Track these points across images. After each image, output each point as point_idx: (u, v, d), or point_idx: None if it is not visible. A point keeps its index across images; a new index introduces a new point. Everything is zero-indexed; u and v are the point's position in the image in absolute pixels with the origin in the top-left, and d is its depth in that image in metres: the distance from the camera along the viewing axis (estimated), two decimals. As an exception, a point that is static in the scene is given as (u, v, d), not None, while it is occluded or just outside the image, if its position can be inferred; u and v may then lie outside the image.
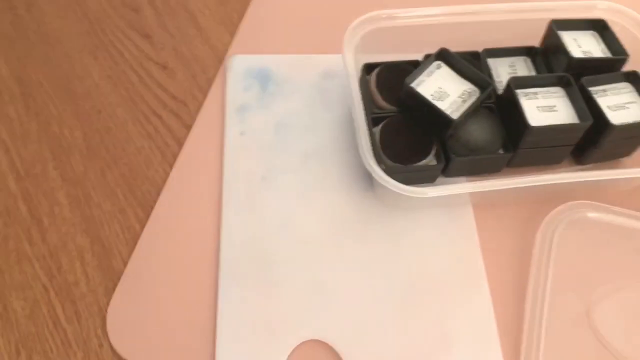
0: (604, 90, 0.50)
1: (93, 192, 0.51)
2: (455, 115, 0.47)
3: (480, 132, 0.49)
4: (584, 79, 0.49)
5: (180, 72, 0.57)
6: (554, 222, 0.47)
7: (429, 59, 0.50)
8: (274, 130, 0.53)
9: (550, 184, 0.46)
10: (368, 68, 0.53)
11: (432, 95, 0.48)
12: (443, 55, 0.50)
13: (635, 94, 0.50)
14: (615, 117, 0.47)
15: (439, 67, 0.50)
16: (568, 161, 0.53)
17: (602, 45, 0.52)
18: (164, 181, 0.51)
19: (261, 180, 0.51)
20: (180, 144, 0.53)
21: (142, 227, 0.49)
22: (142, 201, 0.50)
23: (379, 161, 0.49)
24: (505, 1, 0.53)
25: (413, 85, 0.49)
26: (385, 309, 0.46)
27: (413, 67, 0.49)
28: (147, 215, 0.50)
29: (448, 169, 0.50)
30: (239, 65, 0.57)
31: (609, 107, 0.48)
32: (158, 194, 0.51)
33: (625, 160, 0.53)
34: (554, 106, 0.49)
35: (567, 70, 0.50)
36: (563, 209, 0.47)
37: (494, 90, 0.52)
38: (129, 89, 0.56)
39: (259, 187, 0.51)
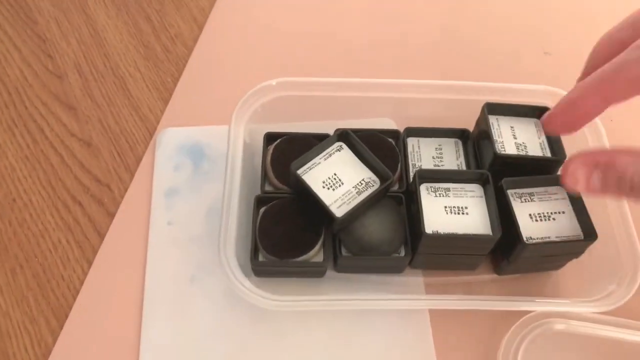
0: (531, 195, 0.43)
1: (1, 298, 0.45)
2: (343, 209, 0.41)
3: (376, 227, 0.42)
4: (504, 181, 0.42)
5: (106, 149, 0.51)
6: (515, 339, 0.40)
7: (329, 139, 0.43)
8: (205, 218, 0.47)
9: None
10: (269, 138, 0.47)
11: (324, 182, 0.42)
12: (345, 137, 0.44)
13: (566, 201, 0.43)
14: (534, 231, 0.41)
15: (339, 149, 0.44)
16: (486, 267, 0.46)
17: (542, 138, 0.45)
18: (82, 282, 0.45)
19: (189, 282, 0.45)
20: (101, 236, 0.47)
21: (55, 339, 0.43)
22: (55, 307, 0.45)
23: (256, 250, 0.43)
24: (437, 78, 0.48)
25: (305, 168, 0.43)
26: None
27: (318, 142, 0.44)
28: (61, 325, 0.44)
29: (338, 266, 0.44)
30: (171, 139, 0.51)
31: (531, 215, 0.42)
32: (74, 298, 0.45)
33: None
34: (465, 208, 0.42)
35: (493, 165, 0.43)
36: (524, 323, 0.41)
37: (407, 178, 0.46)
38: (48, 171, 0.50)
39: (187, 290, 0.45)
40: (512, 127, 0.45)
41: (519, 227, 0.40)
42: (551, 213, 0.42)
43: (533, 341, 0.41)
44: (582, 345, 0.42)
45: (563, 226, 0.41)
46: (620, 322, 0.41)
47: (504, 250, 0.43)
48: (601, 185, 0.32)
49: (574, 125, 0.36)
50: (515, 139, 0.44)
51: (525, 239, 0.40)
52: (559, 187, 0.43)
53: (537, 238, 0.41)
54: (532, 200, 0.42)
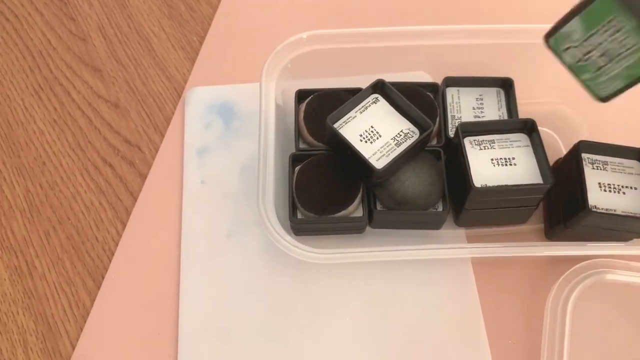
0: (604, 163, 0.40)
1: (37, 260, 0.45)
2: (382, 162, 0.39)
3: (413, 182, 0.41)
4: (581, 143, 0.40)
5: (134, 110, 0.50)
6: (565, 287, 0.39)
7: (364, 90, 0.42)
8: (239, 175, 0.46)
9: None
10: (301, 96, 0.46)
11: (361, 135, 0.41)
12: (380, 88, 0.42)
13: None
14: (600, 200, 0.39)
15: (375, 101, 0.42)
16: (534, 231, 0.44)
17: None
18: (116, 243, 0.45)
19: (226, 238, 0.44)
20: (134, 197, 0.46)
21: (92, 300, 0.43)
22: (91, 269, 0.44)
23: (294, 207, 0.42)
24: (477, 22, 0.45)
25: (340, 122, 0.41)
26: (374, 388, 0.39)
27: (351, 97, 0.42)
28: (98, 286, 0.43)
29: (373, 221, 0.43)
30: (200, 98, 0.50)
31: (600, 184, 0.40)
32: (110, 259, 0.44)
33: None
34: (512, 159, 0.40)
35: None
36: (574, 272, 0.39)
37: (446, 132, 0.44)
38: (77, 134, 0.49)
39: (223, 246, 0.44)
40: None
41: (586, 193, 0.38)
42: (622, 186, 0.40)
43: (583, 292, 0.39)
44: (634, 296, 0.41)
45: (632, 202, 0.39)
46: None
47: (562, 215, 0.41)
48: None
49: None
50: None
51: (590, 206, 0.38)
52: (636, 161, 0.41)
53: (602, 208, 0.39)
54: (604, 169, 0.40)
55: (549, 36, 0.33)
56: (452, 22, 0.46)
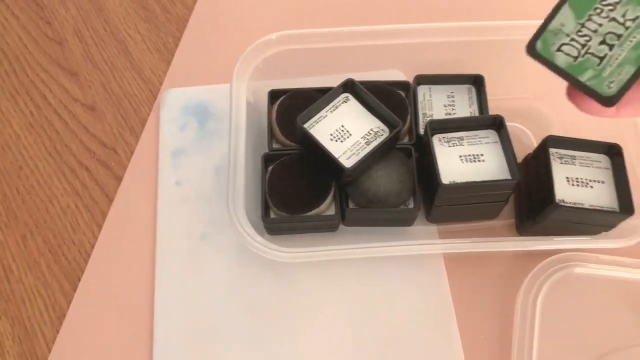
0: (572, 158, 0.41)
1: (13, 264, 0.45)
2: (352, 161, 0.40)
3: (384, 180, 0.41)
4: (549, 138, 0.41)
5: (110, 113, 0.50)
6: (535, 281, 0.39)
7: (334, 90, 0.42)
8: (214, 176, 0.47)
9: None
10: (274, 95, 0.46)
11: (331, 134, 0.41)
12: (350, 87, 0.42)
13: (609, 172, 0.40)
14: (568, 194, 0.39)
15: (345, 100, 0.43)
16: (506, 227, 0.45)
17: None
18: (92, 246, 0.45)
19: (201, 239, 0.44)
20: (110, 199, 0.47)
21: (69, 302, 0.43)
22: (68, 271, 0.44)
23: (266, 207, 0.42)
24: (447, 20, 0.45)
25: (311, 121, 0.42)
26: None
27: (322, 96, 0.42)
28: (74, 288, 0.44)
29: (346, 219, 0.43)
30: (175, 100, 0.50)
31: (568, 179, 0.40)
32: (86, 261, 0.44)
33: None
34: (481, 155, 0.41)
35: None
36: (544, 266, 0.40)
37: (417, 130, 0.44)
38: (53, 137, 0.50)
39: (198, 247, 0.44)
40: None
41: (554, 187, 0.39)
42: (590, 180, 0.40)
43: (553, 286, 0.40)
44: (603, 288, 0.41)
45: (600, 196, 0.40)
46: (640, 263, 0.40)
47: (532, 210, 0.41)
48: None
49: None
50: None
51: (557, 200, 0.38)
52: (604, 155, 0.41)
53: (570, 202, 0.39)
54: (573, 163, 0.41)
55: (533, 42, 0.29)
56: (424, 20, 0.47)
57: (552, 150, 0.41)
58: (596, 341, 0.40)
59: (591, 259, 0.40)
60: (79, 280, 0.44)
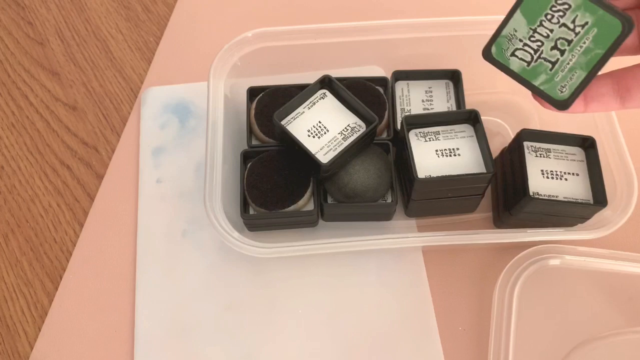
0: (547, 151, 0.41)
1: (-5, 263, 0.45)
2: (329, 156, 0.40)
3: (362, 175, 0.42)
4: (522, 131, 0.41)
5: (91, 112, 0.51)
6: (512, 274, 0.40)
7: (311, 86, 0.42)
8: (195, 173, 0.47)
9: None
10: (252, 93, 0.47)
11: (309, 130, 0.41)
12: (327, 83, 0.43)
13: (583, 164, 0.41)
14: (543, 187, 0.40)
15: (323, 96, 0.43)
16: (483, 221, 0.45)
17: None
18: (74, 244, 0.45)
19: (182, 236, 0.45)
20: (91, 198, 0.47)
21: (51, 301, 0.43)
22: (50, 270, 0.45)
23: (245, 203, 0.43)
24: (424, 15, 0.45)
25: (289, 118, 0.42)
26: (326, 378, 0.40)
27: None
28: (56, 287, 0.44)
29: (325, 215, 0.44)
30: (155, 98, 0.50)
31: (543, 172, 0.40)
32: (67, 260, 0.45)
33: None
34: (457, 149, 0.41)
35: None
36: (520, 259, 0.40)
37: (395, 125, 0.44)
38: (35, 137, 0.50)
39: (179, 244, 0.44)
40: None
41: (527, 180, 0.39)
42: (565, 173, 0.41)
43: (529, 278, 0.40)
44: (578, 279, 0.42)
45: (574, 188, 0.40)
46: (615, 255, 0.41)
47: (507, 203, 0.42)
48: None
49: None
50: None
51: (531, 193, 0.39)
52: (579, 148, 0.41)
53: (544, 195, 0.39)
54: (547, 156, 0.41)
55: (488, 47, 0.30)
56: (402, 16, 0.47)
57: (526, 144, 0.41)
58: (572, 331, 0.40)
59: (566, 251, 0.41)
60: (61, 278, 0.44)
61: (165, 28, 0.54)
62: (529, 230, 0.40)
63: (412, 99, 0.46)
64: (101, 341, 0.42)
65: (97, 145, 0.49)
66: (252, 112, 0.45)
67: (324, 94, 0.43)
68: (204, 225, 0.45)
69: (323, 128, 0.42)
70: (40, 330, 0.42)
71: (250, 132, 0.45)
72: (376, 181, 0.42)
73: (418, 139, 0.41)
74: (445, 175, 0.40)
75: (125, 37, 0.54)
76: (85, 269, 0.44)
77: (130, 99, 0.51)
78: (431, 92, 0.46)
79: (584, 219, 0.41)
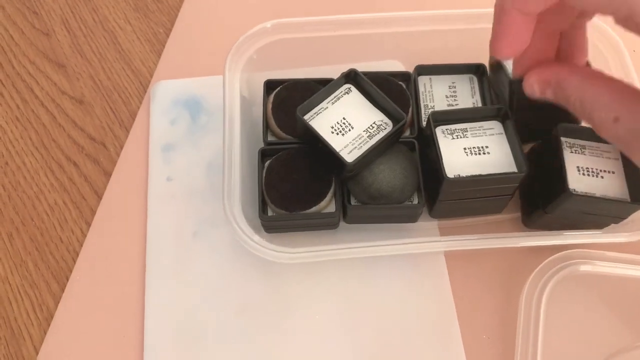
0: (582, 147, 0.39)
1: (-1, 263, 0.44)
2: (353, 155, 0.38)
3: (387, 175, 0.39)
4: (560, 127, 0.39)
5: (99, 106, 0.49)
6: (540, 280, 0.38)
7: (336, 80, 0.40)
8: (206, 171, 0.45)
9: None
10: (270, 86, 0.44)
11: (332, 127, 0.39)
12: (353, 78, 0.41)
13: (619, 162, 0.39)
14: (579, 184, 0.37)
15: (347, 92, 0.41)
16: (511, 222, 0.43)
17: None
18: (81, 244, 0.43)
19: (192, 236, 0.43)
20: (99, 196, 0.45)
21: (57, 303, 0.42)
22: (55, 271, 0.43)
23: (264, 204, 0.40)
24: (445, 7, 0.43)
25: (311, 113, 0.40)
26: (344, 387, 0.38)
27: (322, 87, 0.40)
28: (62, 288, 0.42)
29: (347, 217, 0.42)
30: (166, 92, 0.48)
31: (579, 168, 0.38)
32: (74, 260, 0.43)
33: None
34: (486, 147, 0.39)
35: (511, 96, 0.40)
36: (548, 264, 0.38)
37: (419, 122, 0.42)
38: (40, 132, 0.48)
39: (190, 245, 0.43)
40: None
41: (567, 176, 0.37)
42: (600, 170, 0.38)
43: (558, 284, 0.38)
44: (610, 286, 0.40)
45: (610, 186, 0.38)
46: (648, 261, 0.39)
47: (541, 201, 0.40)
48: (555, 99, 0.32)
49: (513, 47, 0.33)
50: None
51: (570, 189, 0.37)
52: (612, 145, 0.39)
53: (581, 192, 0.37)
54: (582, 153, 0.39)
55: None
56: (423, 8, 0.45)
57: (562, 139, 0.39)
58: (603, 341, 0.39)
59: (597, 256, 0.39)
60: (67, 279, 0.42)
61: (176, 19, 0.52)
62: (565, 233, 0.38)
63: (436, 95, 0.44)
64: (109, 346, 0.40)
65: (104, 141, 0.47)
66: (269, 106, 0.43)
67: (349, 88, 0.41)
68: (215, 225, 0.43)
69: (347, 125, 0.39)
70: (45, 334, 0.41)
71: (266, 127, 0.43)
72: (402, 181, 0.40)
73: (445, 136, 0.39)
74: (476, 175, 0.38)
75: (134, 28, 0.52)
76: (93, 270, 0.42)
77: (139, 93, 0.49)
78: (455, 87, 0.44)
79: (619, 218, 0.39)
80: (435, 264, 0.42)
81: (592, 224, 0.40)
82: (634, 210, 0.38)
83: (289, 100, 0.43)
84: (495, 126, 0.40)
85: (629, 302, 0.40)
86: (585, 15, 0.33)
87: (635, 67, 0.43)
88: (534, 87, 0.33)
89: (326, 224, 0.42)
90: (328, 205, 0.41)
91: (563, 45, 0.35)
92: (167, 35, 0.51)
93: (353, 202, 0.41)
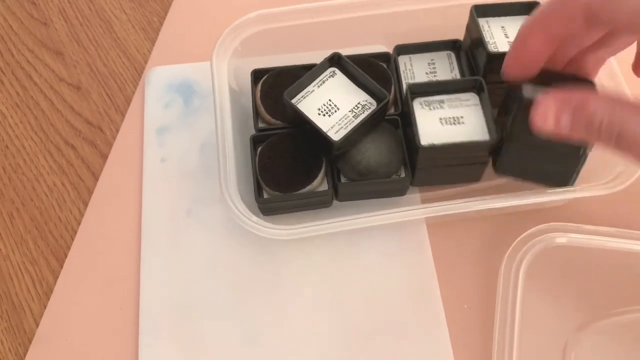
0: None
1: (0, 242, 0.45)
2: (340, 134, 0.40)
3: (374, 152, 0.41)
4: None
5: (95, 92, 0.51)
6: (518, 251, 0.40)
7: (320, 64, 0.42)
8: (199, 153, 0.47)
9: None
10: (257, 75, 0.46)
11: (319, 109, 0.41)
12: (337, 61, 0.42)
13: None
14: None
15: (332, 75, 0.42)
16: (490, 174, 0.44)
17: None
18: (79, 223, 0.45)
19: (186, 215, 0.45)
20: (95, 177, 0.47)
21: (56, 278, 0.43)
22: (55, 248, 0.45)
23: (259, 188, 0.42)
24: None
25: (298, 97, 0.41)
26: (333, 356, 0.40)
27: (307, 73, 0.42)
28: (61, 265, 0.44)
29: (339, 194, 0.44)
30: (159, 78, 0.50)
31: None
32: (72, 238, 0.45)
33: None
34: (461, 117, 0.41)
35: (486, 68, 0.42)
36: (528, 236, 0.40)
37: (402, 100, 0.44)
38: (39, 117, 0.50)
39: (184, 223, 0.44)
40: (503, 27, 0.43)
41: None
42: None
43: (535, 257, 0.40)
44: (585, 258, 0.41)
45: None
46: (622, 233, 0.40)
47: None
48: (570, 126, 0.31)
49: (529, 67, 0.35)
50: (507, 38, 0.42)
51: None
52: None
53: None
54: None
55: None
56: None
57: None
58: (579, 310, 0.40)
59: (572, 229, 0.40)
60: (66, 256, 0.44)
61: (170, 8, 0.54)
62: (540, 191, 0.40)
63: (416, 73, 0.46)
64: (106, 318, 0.42)
65: (101, 125, 0.49)
66: (258, 94, 0.45)
67: (334, 72, 0.43)
68: (208, 204, 0.45)
69: (333, 106, 0.41)
70: (45, 308, 0.42)
71: (256, 114, 0.45)
72: (388, 157, 0.41)
73: (422, 107, 0.41)
74: (449, 142, 0.39)
75: (129, 17, 0.54)
76: (90, 248, 0.44)
77: (134, 79, 0.51)
78: (434, 64, 0.46)
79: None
80: (417, 237, 0.43)
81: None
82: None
83: (276, 87, 0.44)
84: (471, 97, 0.42)
85: (603, 273, 0.41)
86: (612, 35, 0.34)
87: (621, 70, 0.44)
88: (547, 113, 0.31)
89: (320, 202, 0.44)
90: (320, 184, 0.43)
91: (570, 69, 0.36)
92: (161, 24, 0.53)
93: (343, 180, 0.43)
